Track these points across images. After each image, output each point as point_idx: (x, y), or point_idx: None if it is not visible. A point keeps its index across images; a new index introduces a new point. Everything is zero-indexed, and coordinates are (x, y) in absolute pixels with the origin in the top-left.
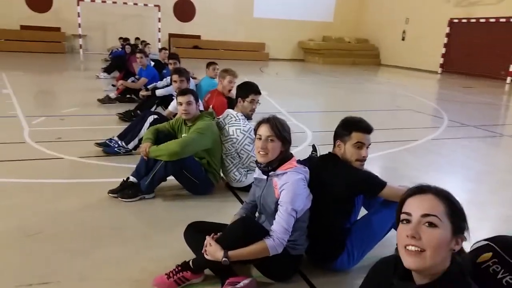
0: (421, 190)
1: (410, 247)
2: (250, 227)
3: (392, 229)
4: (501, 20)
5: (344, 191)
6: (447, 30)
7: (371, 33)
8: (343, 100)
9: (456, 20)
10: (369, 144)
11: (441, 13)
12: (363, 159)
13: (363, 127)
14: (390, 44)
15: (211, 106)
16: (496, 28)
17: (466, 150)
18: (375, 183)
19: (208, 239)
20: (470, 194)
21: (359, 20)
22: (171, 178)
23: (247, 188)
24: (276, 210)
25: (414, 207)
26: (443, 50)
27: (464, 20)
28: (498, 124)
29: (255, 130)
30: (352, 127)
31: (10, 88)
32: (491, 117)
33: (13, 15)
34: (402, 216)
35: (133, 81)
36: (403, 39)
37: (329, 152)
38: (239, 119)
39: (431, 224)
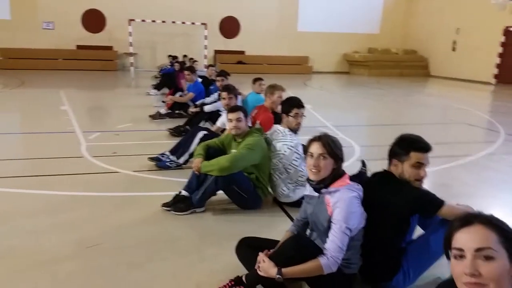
0: (467, 221)
1: (470, 285)
2: (303, 245)
3: None
4: None
5: (401, 209)
6: (503, 39)
7: (419, 44)
8: (391, 113)
9: None
10: (428, 163)
11: (495, 21)
12: (422, 179)
13: (421, 146)
14: (439, 55)
15: (258, 122)
16: None
17: None
18: (434, 202)
19: (262, 256)
20: None
21: (406, 31)
22: (220, 192)
23: (295, 204)
24: (328, 227)
25: (465, 241)
26: (498, 60)
27: None
28: None
29: (307, 147)
30: (410, 146)
31: (68, 104)
32: None
33: (70, 36)
34: (454, 252)
35: (180, 96)
36: (453, 50)
37: (384, 170)
38: (286, 134)
39: (488, 258)
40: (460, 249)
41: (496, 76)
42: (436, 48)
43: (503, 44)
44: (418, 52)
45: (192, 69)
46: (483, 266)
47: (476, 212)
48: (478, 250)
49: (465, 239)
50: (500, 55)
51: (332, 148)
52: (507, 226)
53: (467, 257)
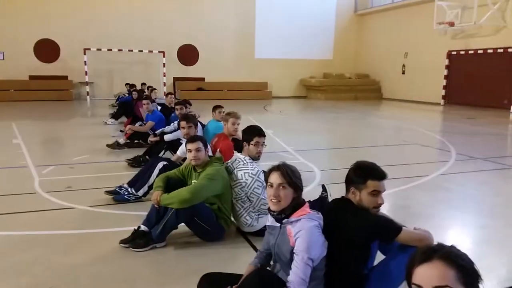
0: (427, 257)
1: None
2: (266, 280)
3: None
4: (499, 50)
5: (360, 236)
6: (447, 62)
7: (371, 68)
8: (349, 136)
9: (454, 52)
10: (384, 190)
11: (439, 46)
12: (379, 206)
13: (378, 175)
14: (391, 78)
15: (218, 150)
16: (495, 58)
17: (477, 184)
18: (391, 229)
19: None
20: (486, 230)
21: (358, 56)
22: (182, 224)
23: (259, 233)
24: (291, 258)
25: (424, 278)
26: (444, 82)
27: (462, 52)
28: (507, 156)
29: (266, 177)
30: (367, 175)
31: (20, 137)
32: (498, 149)
33: (22, 66)
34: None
35: (140, 125)
36: (403, 73)
37: (343, 197)
38: (247, 162)
39: None
40: (419, 286)
41: (444, 97)
42: (387, 71)
43: (447, 67)
44: (370, 76)
45: (149, 98)
46: None
47: (436, 246)
48: (437, 287)
49: (424, 275)
50: (446, 77)
51: (291, 177)
52: (467, 260)
53: None
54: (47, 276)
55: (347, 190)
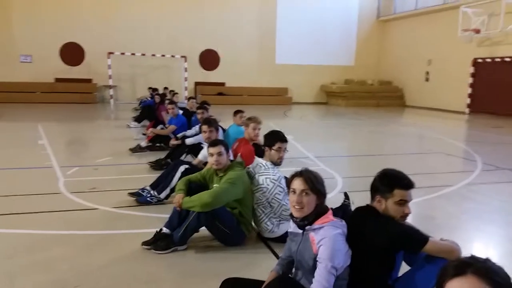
0: (461, 271)
1: None
2: (288, 286)
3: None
4: None
5: (385, 247)
6: (472, 70)
7: (394, 75)
8: (370, 143)
9: (480, 60)
10: (411, 199)
11: (464, 53)
12: (406, 216)
13: (405, 184)
14: (414, 86)
15: (239, 155)
16: None
17: (504, 195)
18: (418, 239)
19: None
20: None
21: (380, 63)
22: (203, 228)
23: (279, 239)
24: (314, 266)
25: None
26: (469, 90)
27: (488, 60)
28: None
29: (288, 183)
30: (394, 183)
31: (46, 138)
32: None
33: (48, 69)
34: None
35: (162, 129)
36: (427, 80)
37: (367, 205)
38: (268, 167)
39: None
40: None
41: (469, 106)
42: (410, 78)
43: (473, 75)
44: (393, 83)
45: (175, 103)
46: None
47: (470, 259)
48: None
49: None
50: (471, 85)
51: (314, 184)
52: (502, 276)
53: None
54: (70, 275)
55: (373, 198)
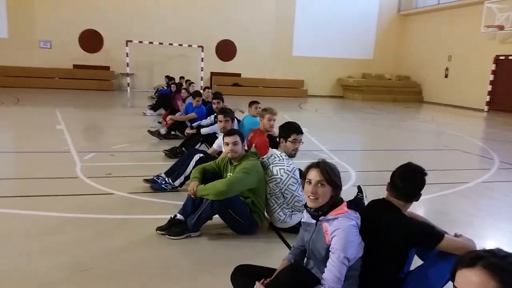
0: (471, 262)
1: None
2: (300, 275)
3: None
4: None
5: (400, 242)
6: (493, 67)
7: (413, 70)
8: (386, 138)
9: (502, 57)
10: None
11: (486, 50)
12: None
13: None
14: (432, 81)
15: (253, 145)
16: None
17: None
18: (433, 235)
19: (258, 285)
20: None
21: (399, 57)
22: (216, 216)
23: (291, 229)
24: (326, 256)
25: (463, 283)
26: (489, 88)
27: (511, 57)
28: None
29: (304, 174)
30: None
31: (63, 124)
32: None
33: (67, 55)
34: None
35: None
36: (446, 76)
37: (383, 199)
38: (283, 159)
39: None
40: None
41: (488, 103)
42: (429, 74)
43: (494, 72)
44: (411, 78)
45: (199, 94)
46: None
47: (484, 252)
48: None
49: (464, 280)
50: (492, 83)
51: (330, 175)
52: None
53: None
54: (85, 258)
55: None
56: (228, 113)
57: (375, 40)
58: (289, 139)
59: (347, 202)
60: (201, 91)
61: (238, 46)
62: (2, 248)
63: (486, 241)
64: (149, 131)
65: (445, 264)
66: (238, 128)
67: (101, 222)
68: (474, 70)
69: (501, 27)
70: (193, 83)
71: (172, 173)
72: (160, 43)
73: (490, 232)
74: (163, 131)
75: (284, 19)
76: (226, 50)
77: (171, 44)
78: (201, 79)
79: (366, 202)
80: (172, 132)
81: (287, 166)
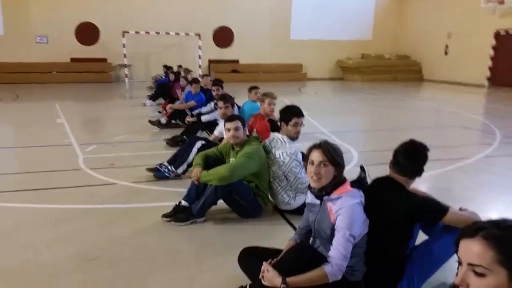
0: (471, 233)
1: None
2: (307, 253)
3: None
4: None
5: (404, 218)
6: (494, 42)
7: (412, 49)
8: (387, 118)
9: (503, 32)
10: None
11: (486, 25)
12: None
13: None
14: (432, 59)
15: (255, 130)
16: None
17: None
18: (438, 210)
19: (266, 265)
20: None
21: (398, 36)
22: (220, 201)
23: (295, 211)
24: (332, 235)
25: (463, 253)
26: (490, 63)
27: (511, 32)
28: None
29: (307, 155)
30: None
31: (63, 117)
32: None
33: (64, 49)
34: (458, 259)
35: (180, 103)
36: (446, 53)
37: (387, 176)
38: (285, 142)
39: (478, 274)
40: (459, 259)
41: (489, 79)
42: (428, 52)
43: (494, 47)
44: (411, 57)
45: (196, 81)
46: (473, 280)
47: (485, 223)
48: (471, 264)
49: (464, 250)
50: (492, 58)
51: (332, 155)
52: None
53: (461, 268)
54: (92, 247)
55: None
56: (228, 99)
57: (374, 20)
58: (290, 123)
59: (351, 182)
60: (200, 78)
61: (235, 32)
62: (9, 243)
63: (489, 215)
64: (150, 121)
65: (450, 238)
66: (238, 114)
67: (106, 211)
68: (474, 46)
69: (501, 1)
70: (191, 71)
71: (175, 161)
72: (157, 33)
73: (493, 206)
74: (163, 120)
75: (281, 3)
76: (223, 36)
77: (167, 33)
78: (199, 67)
79: (369, 181)
80: (173, 121)
81: (289, 149)
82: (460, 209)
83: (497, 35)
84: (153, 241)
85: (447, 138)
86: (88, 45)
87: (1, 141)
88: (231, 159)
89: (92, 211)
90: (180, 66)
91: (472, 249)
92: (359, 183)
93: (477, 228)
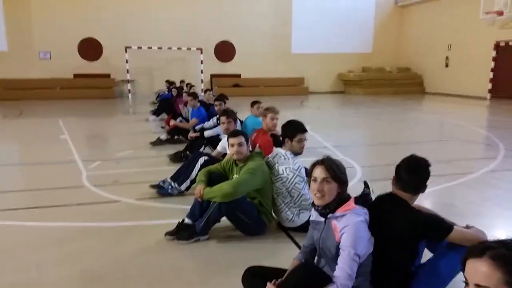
0: (479, 252)
1: None
2: (312, 273)
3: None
4: None
5: (409, 235)
6: (494, 54)
7: (413, 61)
8: (389, 132)
9: (502, 44)
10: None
11: (486, 36)
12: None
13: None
14: (433, 72)
15: (257, 145)
16: None
17: None
18: (442, 227)
19: (270, 286)
20: None
21: (399, 49)
22: (224, 219)
23: (300, 228)
24: (337, 254)
25: (470, 273)
26: (491, 75)
27: (511, 43)
28: None
29: (310, 171)
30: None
31: (67, 133)
32: None
33: (67, 65)
34: (465, 279)
35: (180, 121)
36: (446, 66)
37: (390, 193)
38: (288, 157)
39: None
40: (466, 279)
41: (490, 91)
42: (429, 64)
43: (494, 59)
44: (412, 69)
45: (194, 95)
46: None
47: (492, 243)
48: (478, 286)
49: (471, 270)
50: (493, 70)
51: (335, 171)
52: None
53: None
54: (97, 265)
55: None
56: (230, 114)
57: (374, 33)
58: (295, 139)
59: (354, 198)
60: (202, 93)
61: (236, 47)
62: (12, 261)
63: (496, 231)
64: (151, 143)
65: (455, 255)
66: (241, 129)
67: (109, 229)
68: (475, 58)
69: (500, 13)
70: (193, 86)
71: (178, 177)
72: (159, 48)
73: (499, 222)
74: (163, 136)
75: (282, 17)
76: (225, 51)
77: (170, 48)
78: (202, 81)
79: (373, 197)
80: (176, 136)
81: (292, 164)
82: (467, 226)
83: (497, 46)
84: (157, 259)
85: (450, 152)
86: (91, 60)
87: (5, 157)
88: (234, 175)
89: (95, 229)
90: (182, 81)
91: (480, 270)
92: (363, 199)
93: (484, 248)
